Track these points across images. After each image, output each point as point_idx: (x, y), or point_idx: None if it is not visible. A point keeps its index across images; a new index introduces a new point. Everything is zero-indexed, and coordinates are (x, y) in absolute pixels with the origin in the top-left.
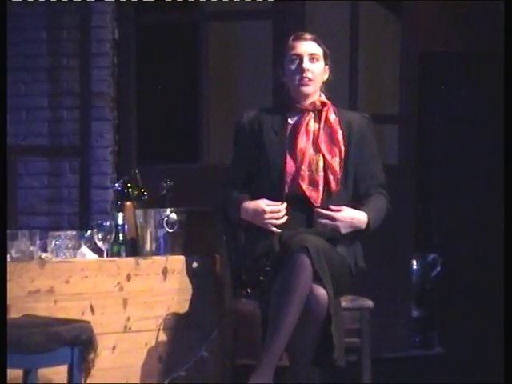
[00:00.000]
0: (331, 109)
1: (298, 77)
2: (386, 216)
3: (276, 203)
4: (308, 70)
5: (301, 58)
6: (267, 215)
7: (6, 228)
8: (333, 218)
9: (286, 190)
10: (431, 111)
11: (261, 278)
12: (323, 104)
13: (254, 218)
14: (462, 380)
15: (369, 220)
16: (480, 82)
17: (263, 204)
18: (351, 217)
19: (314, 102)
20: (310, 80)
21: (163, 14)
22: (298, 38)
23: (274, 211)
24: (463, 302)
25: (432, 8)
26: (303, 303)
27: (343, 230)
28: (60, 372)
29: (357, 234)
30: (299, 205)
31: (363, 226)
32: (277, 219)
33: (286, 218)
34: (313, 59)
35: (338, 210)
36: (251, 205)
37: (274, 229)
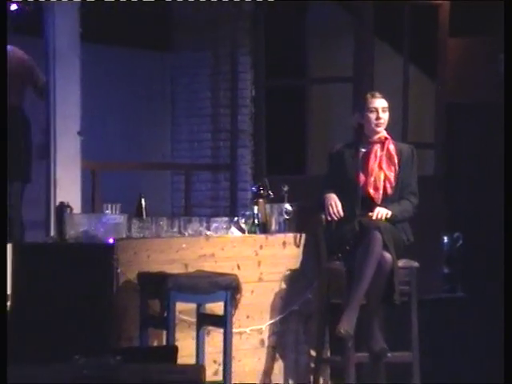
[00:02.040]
0: (390, 141)
1: (375, 122)
2: (411, 213)
3: (340, 208)
4: (381, 118)
5: (377, 110)
6: (332, 205)
7: (6, 229)
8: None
9: (359, 193)
10: (455, 141)
11: (346, 247)
12: (385, 138)
13: (326, 202)
14: (474, 311)
15: (394, 213)
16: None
17: (335, 199)
18: (387, 212)
19: (380, 137)
20: (382, 124)
21: (283, 79)
22: (374, 96)
23: (335, 206)
24: (477, 263)
25: (456, 70)
26: (377, 263)
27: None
28: (218, 306)
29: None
30: (366, 202)
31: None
32: (333, 213)
33: (338, 216)
34: (384, 111)
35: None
36: (329, 195)
37: (329, 217)
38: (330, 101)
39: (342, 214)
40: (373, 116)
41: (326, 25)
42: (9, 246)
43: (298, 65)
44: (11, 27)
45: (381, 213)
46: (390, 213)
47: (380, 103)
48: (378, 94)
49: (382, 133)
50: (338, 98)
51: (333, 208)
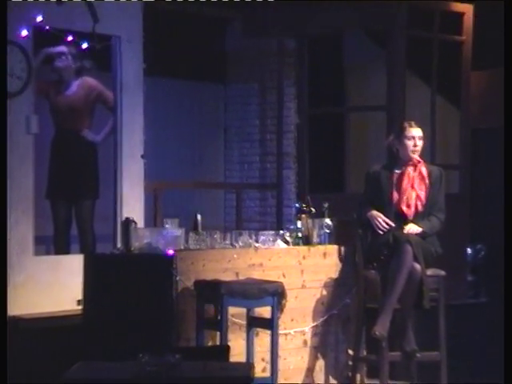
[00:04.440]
0: (422, 164)
1: (411, 149)
2: (439, 228)
3: (387, 219)
4: (418, 145)
5: (414, 138)
6: (379, 221)
7: (6, 234)
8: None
9: (392, 210)
10: (478, 163)
11: (381, 257)
12: (418, 161)
13: (372, 219)
14: (496, 316)
15: (423, 229)
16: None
17: (379, 214)
18: (417, 229)
19: (413, 160)
20: (418, 151)
21: (324, 107)
22: (412, 125)
23: (384, 221)
24: (498, 271)
25: (479, 99)
26: (408, 273)
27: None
28: (266, 310)
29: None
30: (399, 218)
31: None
32: (382, 227)
33: (387, 227)
34: (420, 139)
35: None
36: (374, 212)
37: (380, 231)
38: (365, 126)
39: (392, 224)
40: (410, 143)
41: (361, 58)
42: (81, 257)
43: (337, 95)
44: (89, 65)
45: (412, 229)
46: (420, 229)
47: (417, 132)
48: (414, 124)
49: (416, 157)
50: (372, 124)
51: (380, 223)
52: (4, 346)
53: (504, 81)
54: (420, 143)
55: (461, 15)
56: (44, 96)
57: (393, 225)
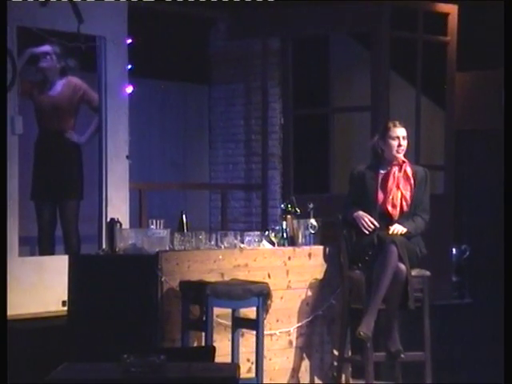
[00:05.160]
0: (407, 164)
1: (396, 149)
2: (423, 228)
3: (372, 220)
4: (402, 145)
5: (398, 138)
6: (365, 221)
7: (6, 236)
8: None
9: (378, 210)
10: (463, 163)
11: (366, 258)
12: (403, 161)
13: (358, 219)
14: (480, 316)
15: (408, 230)
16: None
17: (365, 214)
18: (402, 229)
19: (398, 160)
20: (402, 151)
21: (309, 108)
22: (396, 125)
23: (369, 221)
24: (483, 272)
25: (463, 100)
26: (393, 273)
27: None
28: (251, 311)
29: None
30: (384, 218)
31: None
32: (368, 227)
33: (373, 227)
34: (404, 139)
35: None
36: (360, 212)
37: (366, 231)
38: (350, 127)
39: (376, 225)
40: (395, 143)
41: (346, 59)
42: (66, 257)
43: (322, 95)
44: (73, 64)
45: (397, 229)
46: (405, 230)
47: (401, 132)
48: (399, 124)
49: (401, 157)
50: (357, 125)
51: (366, 223)
52: (4, 345)
53: (504, 81)
54: (404, 143)
55: (445, 16)
56: (28, 96)
57: (377, 225)
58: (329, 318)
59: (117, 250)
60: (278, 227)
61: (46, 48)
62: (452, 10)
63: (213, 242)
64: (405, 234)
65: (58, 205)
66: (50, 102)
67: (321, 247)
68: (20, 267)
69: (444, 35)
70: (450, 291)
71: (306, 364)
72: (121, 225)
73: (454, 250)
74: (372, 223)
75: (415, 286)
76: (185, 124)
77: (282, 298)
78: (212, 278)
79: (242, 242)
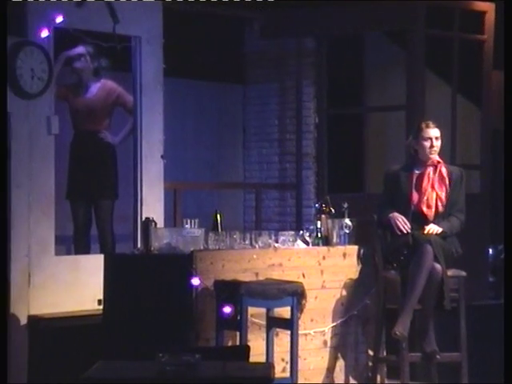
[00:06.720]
0: (442, 164)
1: (429, 150)
2: (459, 228)
3: (406, 221)
4: (435, 146)
5: (431, 138)
6: (400, 222)
7: (6, 234)
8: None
9: (412, 210)
10: (499, 162)
11: (401, 258)
12: (438, 162)
13: (393, 220)
14: None
15: (444, 229)
16: None
17: (400, 216)
18: (438, 229)
19: (433, 161)
20: (435, 152)
21: (343, 107)
22: (429, 126)
23: (404, 222)
24: None
25: (500, 99)
26: (428, 273)
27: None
28: (285, 310)
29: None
30: (419, 219)
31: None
32: (402, 228)
33: (408, 228)
34: (437, 139)
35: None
36: (395, 213)
37: (400, 233)
38: (384, 126)
39: (410, 227)
40: (427, 144)
41: (381, 58)
42: (101, 257)
43: (356, 94)
44: (106, 64)
45: (432, 229)
46: (440, 229)
47: (434, 133)
48: (431, 124)
49: (435, 157)
50: (392, 124)
51: (401, 224)
52: (4, 345)
53: (504, 81)
54: (437, 143)
55: (482, 14)
56: (63, 100)
57: (409, 230)
58: (363, 318)
59: (151, 249)
60: (312, 227)
61: (80, 49)
62: (489, 8)
63: (247, 242)
64: (440, 233)
65: (93, 204)
66: (85, 104)
67: (355, 247)
68: (56, 266)
69: (480, 33)
70: (487, 291)
71: (340, 364)
72: (155, 224)
73: (490, 250)
74: (407, 225)
75: (451, 286)
76: (219, 124)
77: (316, 297)
78: (246, 277)
79: (277, 242)
